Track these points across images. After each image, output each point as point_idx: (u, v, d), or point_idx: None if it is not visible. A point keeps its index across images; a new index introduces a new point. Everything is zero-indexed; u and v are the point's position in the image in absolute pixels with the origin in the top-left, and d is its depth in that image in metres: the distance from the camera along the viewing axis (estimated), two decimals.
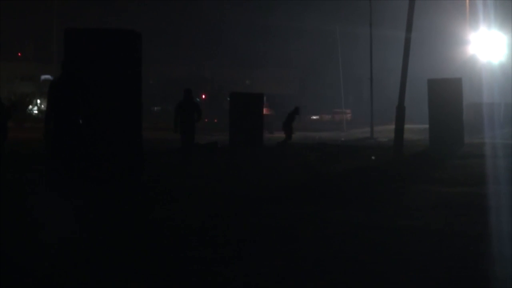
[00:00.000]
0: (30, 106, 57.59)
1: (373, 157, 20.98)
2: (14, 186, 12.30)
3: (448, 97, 25.33)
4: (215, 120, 59.67)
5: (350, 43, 61.84)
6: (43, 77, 72.14)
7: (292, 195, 11.75)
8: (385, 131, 38.50)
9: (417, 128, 38.23)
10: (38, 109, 64.63)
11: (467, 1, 54.85)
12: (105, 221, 8.83)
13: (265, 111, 31.70)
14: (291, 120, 27.63)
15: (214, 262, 6.47)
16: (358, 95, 75.20)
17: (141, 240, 7.57)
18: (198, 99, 18.54)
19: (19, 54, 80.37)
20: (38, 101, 64.84)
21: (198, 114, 17.75)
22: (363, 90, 70.58)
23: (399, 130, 22.04)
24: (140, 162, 12.70)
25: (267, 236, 7.92)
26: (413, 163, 19.20)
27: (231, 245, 7.33)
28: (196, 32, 72.24)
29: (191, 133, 17.37)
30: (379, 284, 5.81)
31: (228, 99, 29.69)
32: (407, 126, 23.92)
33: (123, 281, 5.85)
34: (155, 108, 73.81)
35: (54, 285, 5.71)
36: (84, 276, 5.97)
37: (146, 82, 15.28)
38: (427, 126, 27.39)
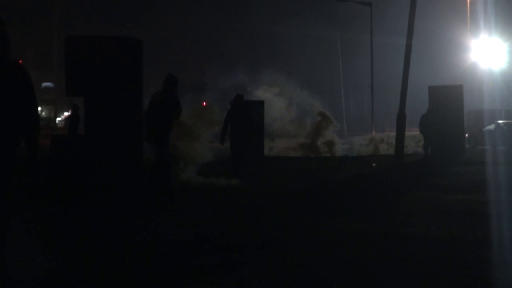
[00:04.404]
0: None
1: (374, 164, 20.96)
2: None
3: (449, 104, 25.32)
4: (216, 128, 59.28)
5: (351, 50, 61.85)
6: (44, 84, 72.18)
7: (293, 203, 11.73)
8: (386, 138, 38.42)
9: (418, 134, 38.17)
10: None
11: (468, 8, 54.88)
12: (106, 227, 8.83)
13: None
14: None
15: (215, 270, 6.46)
16: (359, 101, 75.16)
17: (144, 247, 7.57)
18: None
19: (20, 61, 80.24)
20: (40, 108, 64.87)
21: (251, 124, 15.64)
22: (364, 96, 70.50)
23: (400, 137, 21.98)
24: (140, 168, 12.67)
25: (268, 243, 7.91)
26: (414, 170, 19.18)
27: (233, 252, 7.32)
28: (197, 39, 72.24)
29: (241, 145, 15.35)
30: None
31: (229, 106, 29.52)
32: (407, 133, 23.87)
33: None
34: None
35: None
36: (86, 284, 5.97)
37: (147, 89, 14.71)
38: None
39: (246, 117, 15.42)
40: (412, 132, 32.30)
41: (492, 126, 34.48)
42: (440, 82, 34.74)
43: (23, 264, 6.15)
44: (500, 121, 34.47)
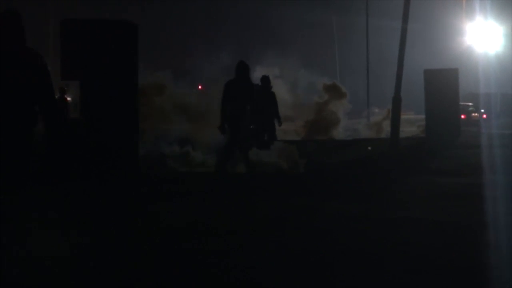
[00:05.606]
0: None
1: (369, 148, 20.99)
2: None
3: (445, 87, 25.31)
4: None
5: (346, 33, 61.69)
6: None
7: (286, 186, 11.74)
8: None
9: (414, 118, 38.24)
10: None
11: None
12: (100, 215, 8.83)
13: None
14: None
15: (206, 255, 6.46)
16: (354, 85, 75.11)
17: (137, 233, 7.57)
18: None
19: None
20: None
21: (275, 110, 15.60)
22: (359, 80, 70.42)
23: (395, 121, 21.98)
24: (135, 155, 12.65)
25: (260, 227, 7.90)
26: (410, 153, 19.21)
27: (222, 237, 7.32)
28: (188, 23, 71.85)
29: (271, 132, 15.53)
30: (377, 275, 5.82)
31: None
32: (403, 116, 23.93)
33: (124, 276, 5.87)
34: None
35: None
36: (82, 269, 5.99)
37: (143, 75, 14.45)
38: (423, 116, 27.42)
39: (270, 103, 15.45)
40: (408, 116, 32.35)
41: None
42: (436, 65, 34.72)
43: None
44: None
